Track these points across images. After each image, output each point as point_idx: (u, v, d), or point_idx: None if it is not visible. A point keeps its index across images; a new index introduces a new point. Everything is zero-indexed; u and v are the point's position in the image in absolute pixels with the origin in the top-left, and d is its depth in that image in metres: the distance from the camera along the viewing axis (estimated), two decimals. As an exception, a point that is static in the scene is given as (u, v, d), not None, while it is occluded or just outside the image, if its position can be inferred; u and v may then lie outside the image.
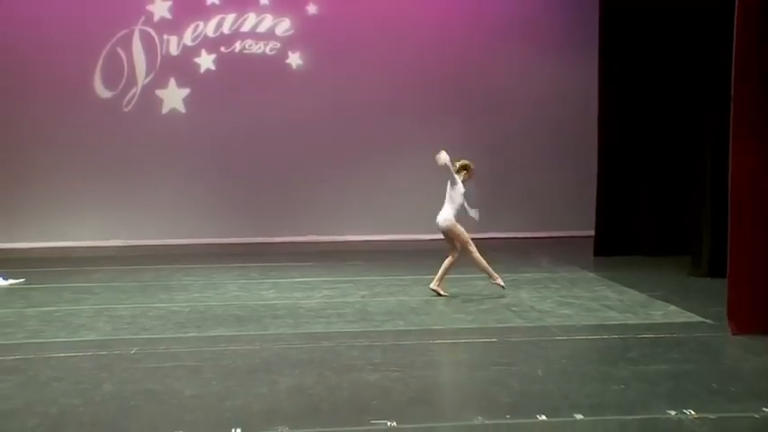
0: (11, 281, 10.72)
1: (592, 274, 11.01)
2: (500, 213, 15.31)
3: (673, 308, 8.67)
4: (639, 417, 5.30)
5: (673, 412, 5.33)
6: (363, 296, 9.66)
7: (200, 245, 14.52)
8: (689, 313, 8.40)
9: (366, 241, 14.96)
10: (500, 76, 15.35)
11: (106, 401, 5.73)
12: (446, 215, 9.24)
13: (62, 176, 14.66)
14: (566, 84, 15.21)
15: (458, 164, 9.34)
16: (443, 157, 9.02)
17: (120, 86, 14.93)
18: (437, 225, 9.34)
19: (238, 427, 5.15)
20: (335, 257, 12.97)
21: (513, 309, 8.78)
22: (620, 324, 8.00)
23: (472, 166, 9.48)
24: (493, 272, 9.44)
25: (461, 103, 15.35)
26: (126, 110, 14.95)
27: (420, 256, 13.15)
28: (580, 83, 14.67)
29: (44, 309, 8.94)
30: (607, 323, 8.06)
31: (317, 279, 10.78)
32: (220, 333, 7.78)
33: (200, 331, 7.86)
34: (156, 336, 7.68)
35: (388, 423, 5.20)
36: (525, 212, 15.37)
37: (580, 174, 14.75)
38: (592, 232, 13.34)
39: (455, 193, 9.23)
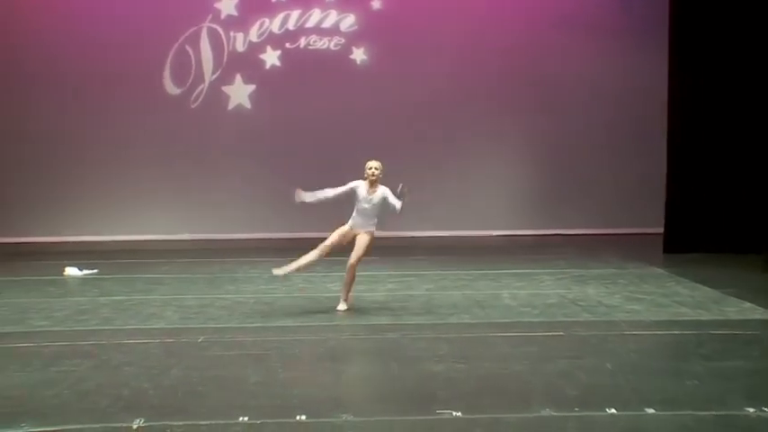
0: (85, 271, 10.96)
1: (661, 271, 10.77)
2: (563, 210, 15.15)
3: (748, 305, 8.43)
4: (715, 413, 5.15)
5: (751, 409, 5.16)
6: (428, 289, 9.62)
7: (267, 239, 14.65)
8: (765, 310, 8.15)
9: (430, 237, 14.91)
10: (564, 69, 15.12)
11: (174, 386, 5.81)
12: None
13: (133, 172, 14.93)
14: (632, 76, 14.91)
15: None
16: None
17: (188, 83, 15.15)
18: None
19: (303, 414, 5.15)
20: (400, 252, 12.91)
21: (580, 303, 8.64)
22: (692, 320, 7.80)
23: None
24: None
25: (524, 98, 15.18)
26: (193, 106, 15.17)
27: (485, 251, 13.11)
28: (647, 75, 14.38)
29: (116, 298, 9.12)
30: (678, 319, 7.87)
31: (381, 273, 10.76)
32: (286, 323, 7.83)
33: (266, 321, 7.92)
34: (222, 325, 7.76)
35: (454, 413, 5.15)
36: (589, 209, 15.12)
37: (646, 169, 14.48)
38: (658, 229, 13.06)
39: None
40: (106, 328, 7.65)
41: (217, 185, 15.13)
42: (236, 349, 6.84)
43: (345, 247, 8.31)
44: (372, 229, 8.27)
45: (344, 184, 8.35)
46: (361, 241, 8.18)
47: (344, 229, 8.31)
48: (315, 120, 15.11)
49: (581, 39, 15.14)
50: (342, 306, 8.25)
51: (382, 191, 8.22)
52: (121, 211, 14.93)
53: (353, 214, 8.30)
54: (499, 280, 10.20)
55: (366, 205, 8.20)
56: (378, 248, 13.67)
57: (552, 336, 7.25)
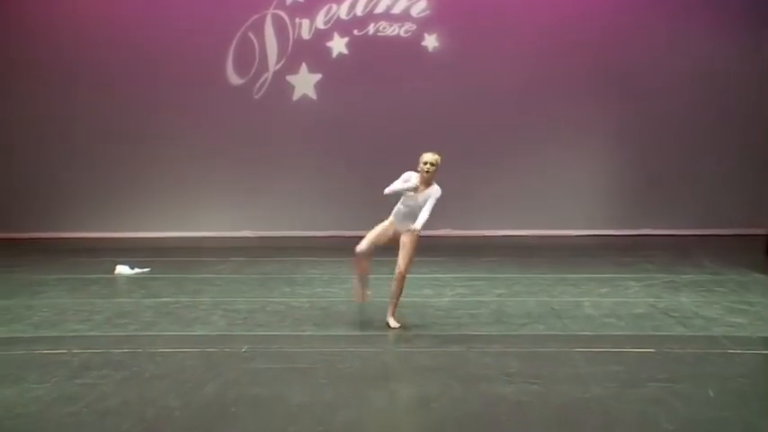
0: (136, 269, 10.53)
1: (765, 278, 9.74)
2: (651, 207, 14.13)
3: None
4: None
5: None
6: (500, 295, 8.85)
7: (331, 237, 14.06)
8: None
9: (504, 236, 14.10)
10: (658, 57, 14.09)
11: (206, 406, 5.22)
12: None
13: (192, 165, 14.50)
14: (734, 67, 13.82)
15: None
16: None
17: (252, 73, 14.65)
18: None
19: (347, 444, 4.50)
20: (470, 253, 12.18)
21: (673, 315, 7.75)
22: (806, 337, 6.87)
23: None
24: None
25: (613, 88, 14.16)
26: (257, 97, 14.62)
27: (564, 252, 12.24)
28: (751, 65, 13.27)
29: (162, 300, 8.62)
30: (790, 336, 6.94)
31: (449, 276, 10.03)
32: (340, 332, 7.18)
33: (318, 329, 7.28)
34: (270, 332, 7.16)
35: (524, 447, 4.42)
36: (681, 207, 14.05)
37: (746, 164, 13.37)
38: (760, 230, 11.99)
39: None
40: (145, 333, 7.13)
41: (280, 179, 14.58)
42: (281, 361, 6.22)
43: (389, 243, 7.57)
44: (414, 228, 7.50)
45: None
46: (406, 244, 7.42)
47: (386, 223, 7.59)
48: (384, 111, 14.42)
49: (680, 23, 14.08)
50: (393, 323, 7.38)
51: (429, 193, 7.38)
52: (180, 207, 14.51)
53: (398, 205, 7.55)
54: (579, 286, 9.35)
55: (410, 203, 7.42)
56: (446, 248, 13.28)
57: (641, 353, 6.42)
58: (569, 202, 14.32)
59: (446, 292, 8.98)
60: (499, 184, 14.42)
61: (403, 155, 14.69)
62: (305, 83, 14.62)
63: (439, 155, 7.43)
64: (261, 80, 14.61)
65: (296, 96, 14.65)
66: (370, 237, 7.49)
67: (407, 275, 7.43)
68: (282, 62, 14.60)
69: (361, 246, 7.46)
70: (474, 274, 10.19)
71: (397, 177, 15.33)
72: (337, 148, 14.49)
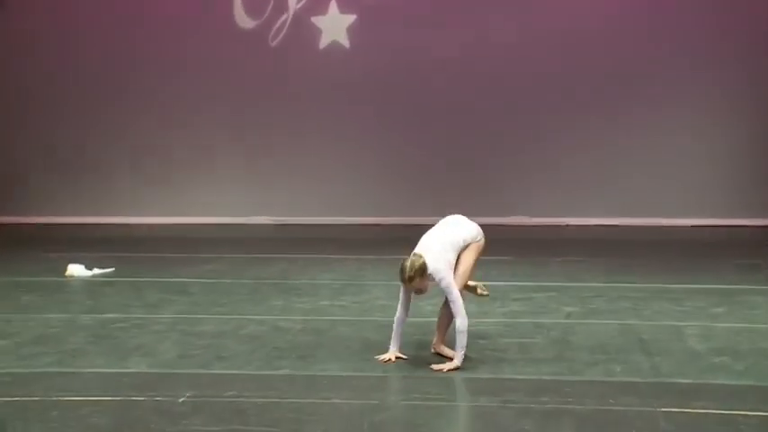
0: (96, 270, 9.62)
1: None
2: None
3: None
4: None
5: None
6: (569, 315, 7.61)
7: (368, 225, 13.00)
8: None
9: (594, 226, 12.89)
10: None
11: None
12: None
13: (191, 130, 13.55)
14: None
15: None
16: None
17: (266, 14, 13.60)
18: None
19: None
20: (545, 250, 10.97)
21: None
22: None
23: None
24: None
25: (742, 28, 12.79)
26: (273, 44, 13.60)
27: (667, 250, 10.93)
28: None
29: (106, 316, 7.62)
30: None
31: (506, 283, 8.80)
32: (326, 370, 6.04)
33: (300, 366, 6.15)
34: (230, 370, 6.08)
35: None
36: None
37: None
38: None
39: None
40: (56, 370, 6.10)
41: (302, 151, 13.52)
42: (228, 421, 5.11)
43: None
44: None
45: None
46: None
47: None
48: (435, 65, 13.27)
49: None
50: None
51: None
52: (175, 185, 13.59)
53: None
54: (683, 302, 8.05)
55: None
56: (513, 243, 12.00)
57: None
58: (679, 181, 13.01)
59: (495, 309, 7.78)
60: (588, 159, 13.21)
61: (457, 120, 13.77)
62: (335, 26, 13.60)
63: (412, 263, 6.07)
64: (278, 23, 13.61)
65: (323, 43, 13.63)
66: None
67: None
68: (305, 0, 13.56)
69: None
70: (540, 282, 8.98)
71: (451, 147, 14.20)
72: (374, 110, 13.39)
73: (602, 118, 13.19)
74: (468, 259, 6.40)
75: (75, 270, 9.55)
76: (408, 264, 6.02)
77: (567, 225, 13.19)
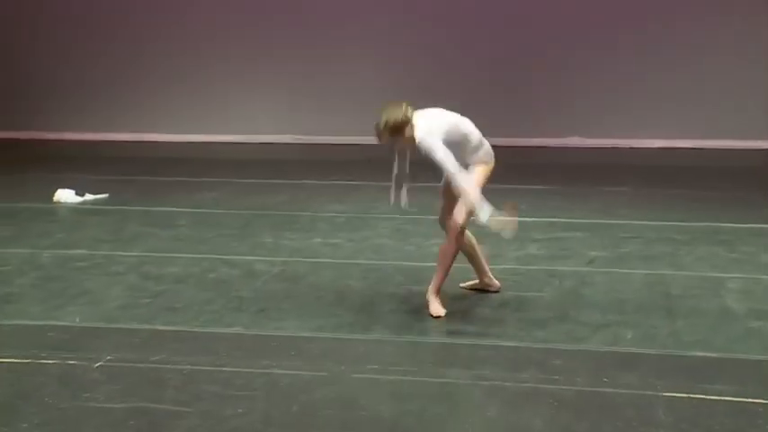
0: (87, 196, 9.04)
1: None
2: None
3: None
4: None
5: None
6: (591, 261, 6.71)
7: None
8: None
9: (655, 150, 11.93)
10: None
11: None
12: None
13: (218, 47, 12.79)
14: None
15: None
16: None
17: None
18: None
19: None
20: (590, 177, 10.06)
21: None
22: None
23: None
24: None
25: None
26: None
27: (739, 179, 9.96)
28: None
29: (70, 252, 6.98)
30: None
31: (534, 219, 7.89)
32: (283, 331, 5.30)
33: (254, 324, 5.41)
34: (173, 327, 5.37)
35: None
36: None
37: None
38: None
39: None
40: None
41: (338, 67, 12.63)
42: (133, 397, 4.41)
43: None
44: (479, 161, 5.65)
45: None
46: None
47: None
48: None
49: None
50: (435, 309, 5.52)
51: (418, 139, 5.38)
52: (190, 99, 12.87)
53: None
54: (735, 246, 7.08)
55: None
56: (557, 168, 11.09)
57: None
58: (757, 99, 11.81)
59: (509, 252, 6.91)
60: (650, 73, 12.09)
61: (514, 34, 12.62)
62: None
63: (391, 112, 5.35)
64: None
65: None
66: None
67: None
68: None
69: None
70: (573, 218, 8.08)
71: (507, 68, 13.03)
72: (421, 25, 12.40)
73: (673, 36, 12.08)
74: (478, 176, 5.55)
75: (64, 195, 8.99)
76: (384, 118, 5.31)
77: (632, 147, 12.18)
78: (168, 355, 4.90)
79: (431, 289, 5.58)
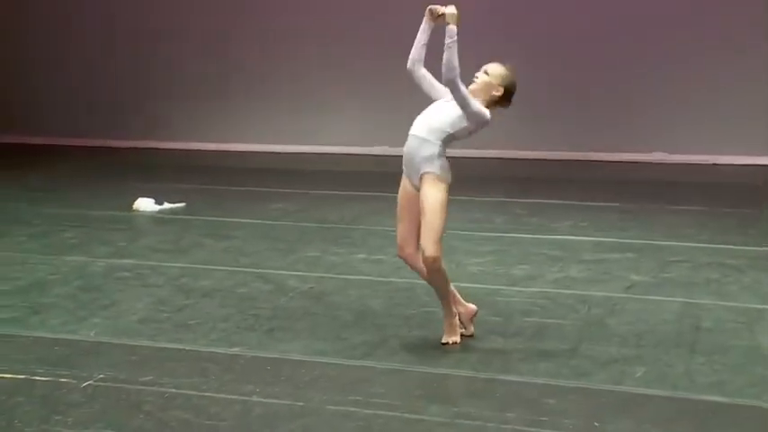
0: (165, 205, 8.81)
1: None
2: None
3: None
4: None
5: None
6: (629, 288, 5.99)
7: (481, 159, 11.57)
8: None
9: (747, 167, 10.99)
10: None
11: None
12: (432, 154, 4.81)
13: (307, 50, 12.46)
14: None
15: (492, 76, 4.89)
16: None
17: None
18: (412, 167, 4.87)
19: None
20: (668, 193, 9.30)
21: None
22: None
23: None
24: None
25: None
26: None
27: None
28: None
29: (122, 261, 6.66)
30: None
31: (587, 238, 7.26)
32: (285, 353, 4.81)
33: (259, 344, 4.92)
34: (180, 345, 4.94)
35: None
36: None
37: None
38: None
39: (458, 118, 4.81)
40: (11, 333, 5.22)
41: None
42: (102, 422, 4.01)
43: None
44: (436, 170, 4.81)
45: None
46: (425, 201, 4.78)
47: (403, 183, 5.02)
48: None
49: None
50: (450, 337, 4.92)
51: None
52: (285, 111, 12.56)
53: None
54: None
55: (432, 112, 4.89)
56: (632, 185, 10.27)
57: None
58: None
59: (549, 273, 6.29)
60: (741, 86, 11.14)
61: (595, 48, 11.77)
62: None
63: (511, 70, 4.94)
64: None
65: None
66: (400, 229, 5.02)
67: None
68: None
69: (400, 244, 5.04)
70: (629, 238, 7.36)
71: (591, 82, 12.24)
72: (505, 40, 11.65)
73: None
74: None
75: (143, 204, 8.77)
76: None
77: (715, 164, 11.25)
78: (158, 376, 4.49)
79: (444, 318, 5.01)
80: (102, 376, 4.49)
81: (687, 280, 6.15)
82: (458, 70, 4.60)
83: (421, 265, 4.87)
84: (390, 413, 4.07)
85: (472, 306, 5.04)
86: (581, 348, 4.87)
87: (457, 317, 4.98)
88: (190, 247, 7.19)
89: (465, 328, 5.01)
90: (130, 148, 12.82)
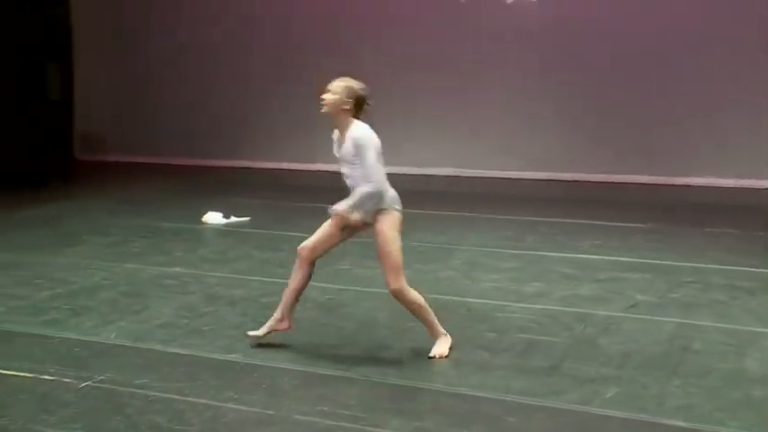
0: (232, 219, 8.69)
1: None
2: None
3: None
4: None
5: None
6: (633, 305, 5.53)
7: (537, 180, 11.13)
8: None
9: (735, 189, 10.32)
10: None
11: None
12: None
13: (382, 77, 12.18)
14: None
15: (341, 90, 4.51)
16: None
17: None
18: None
19: None
20: (710, 215, 8.68)
21: None
22: None
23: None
24: None
25: None
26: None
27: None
28: None
29: (170, 270, 6.51)
30: None
31: (606, 257, 6.78)
32: (270, 362, 4.54)
33: (254, 353, 4.68)
34: (183, 350, 4.75)
35: None
36: None
37: None
38: None
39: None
40: (36, 332, 5.07)
41: (489, 103, 11.71)
42: (82, 421, 3.85)
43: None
44: (386, 207, 4.52)
45: None
46: (379, 238, 4.50)
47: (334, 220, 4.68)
48: (633, 18, 11.00)
49: None
50: (438, 351, 4.60)
51: (350, 141, 4.51)
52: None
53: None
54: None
55: (343, 169, 4.64)
56: (676, 207, 9.59)
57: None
58: None
59: (559, 291, 5.87)
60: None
61: (645, 72, 11.13)
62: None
63: (352, 82, 4.55)
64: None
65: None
66: (315, 237, 4.75)
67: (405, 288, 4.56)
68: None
69: (305, 244, 4.75)
70: (649, 258, 6.84)
71: (641, 106, 11.57)
72: (568, 65, 11.28)
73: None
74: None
75: (211, 218, 8.67)
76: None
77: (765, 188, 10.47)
78: (152, 379, 4.32)
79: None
80: (101, 378, 4.36)
81: (692, 301, 5.64)
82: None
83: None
84: (352, 425, 3.78)
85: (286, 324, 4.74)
86: (563, 366, 4.46)
87: (446, 334, 4.65)
88: (236, 258, 7.03)
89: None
90: (210, 166, 12.73)
